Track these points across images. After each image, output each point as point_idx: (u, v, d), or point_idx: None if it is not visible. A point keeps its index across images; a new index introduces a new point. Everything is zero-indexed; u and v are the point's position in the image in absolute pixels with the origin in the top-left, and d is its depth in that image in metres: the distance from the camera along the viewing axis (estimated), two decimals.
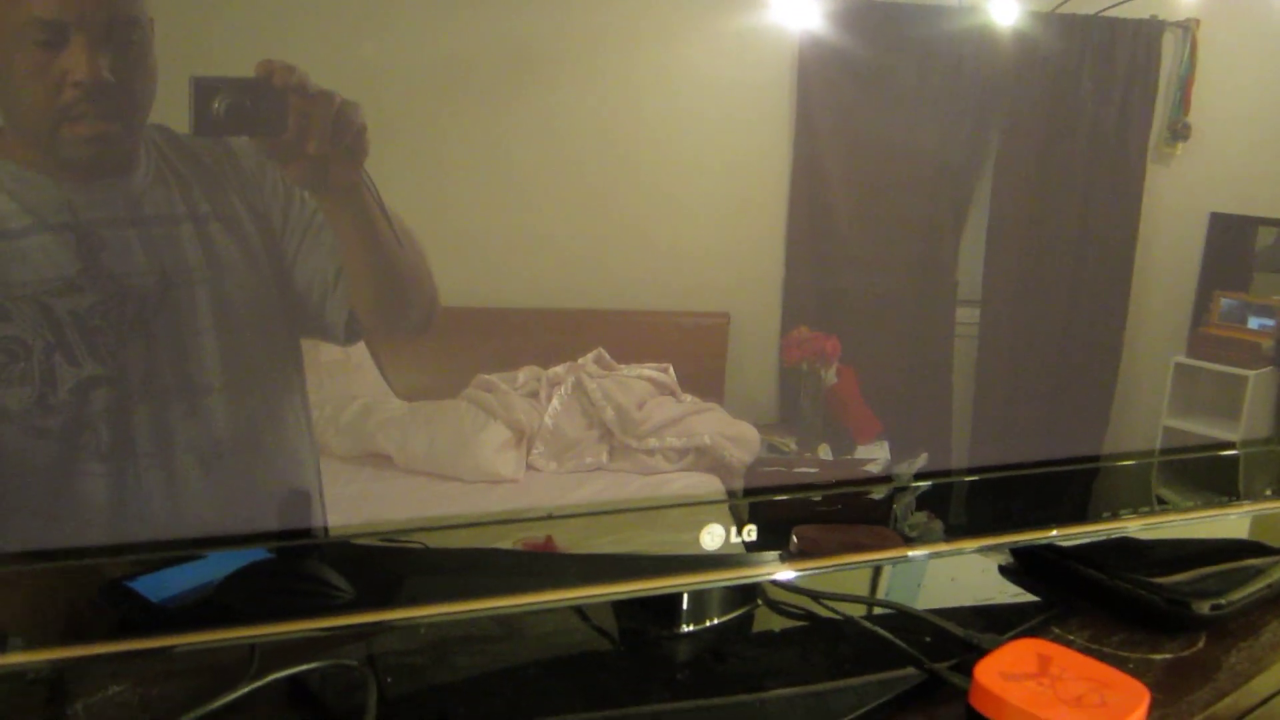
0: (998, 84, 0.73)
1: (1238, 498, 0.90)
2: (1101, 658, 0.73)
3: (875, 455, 0.73)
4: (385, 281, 0.56)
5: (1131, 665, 0.76)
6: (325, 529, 0.57)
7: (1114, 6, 0.76)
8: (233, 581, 0.54)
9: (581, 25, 0.59)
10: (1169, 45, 0.80)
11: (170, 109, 0.51)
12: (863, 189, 0.70)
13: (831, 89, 0.66)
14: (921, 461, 0.75)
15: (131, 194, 0.51)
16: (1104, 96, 0.77)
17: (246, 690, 0.63)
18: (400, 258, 0.55)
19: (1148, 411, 0.85)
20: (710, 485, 0.68)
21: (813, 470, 0.71)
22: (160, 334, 0.52)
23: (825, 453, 0.71)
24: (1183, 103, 0.82)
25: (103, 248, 0.50)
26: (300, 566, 0.57)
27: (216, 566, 0.54)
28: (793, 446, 0.71)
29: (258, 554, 0.55)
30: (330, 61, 0.53)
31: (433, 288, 0.57)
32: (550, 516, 0.62)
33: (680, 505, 0.67)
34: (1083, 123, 0.77)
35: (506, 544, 0.61)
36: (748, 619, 0.81)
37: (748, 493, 0.69)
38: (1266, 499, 0.91)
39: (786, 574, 0.71)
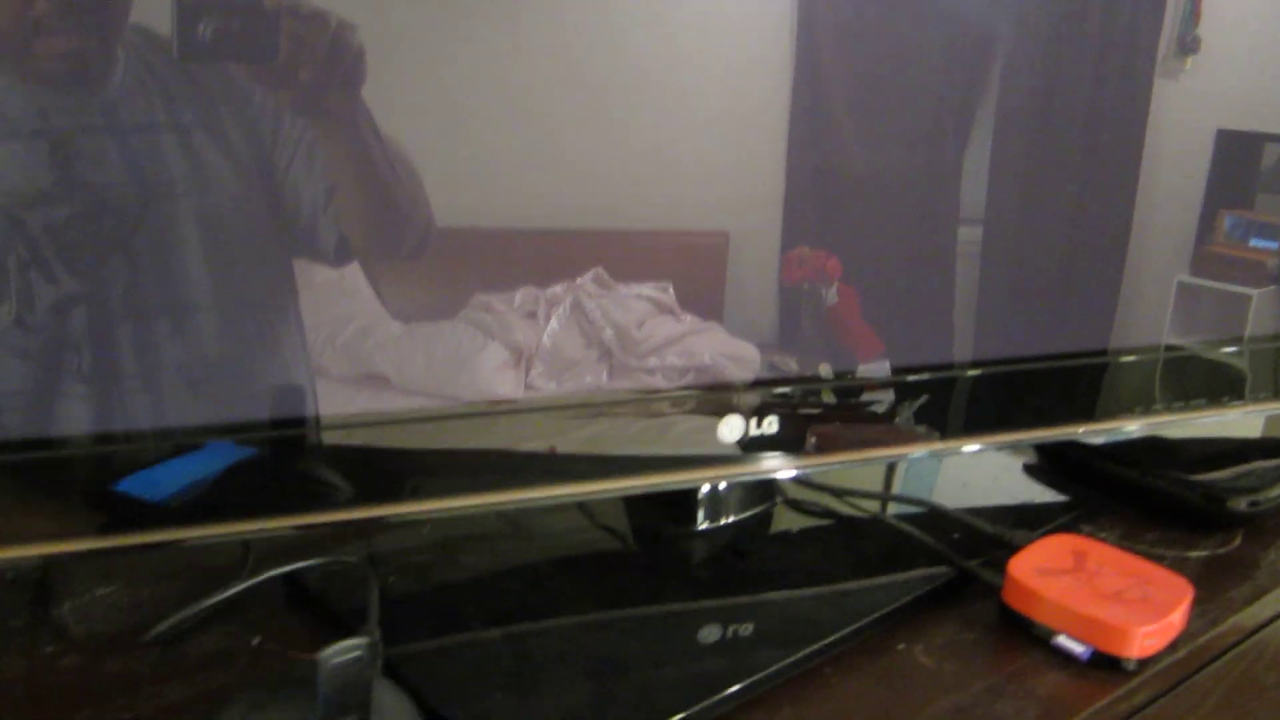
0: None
1: (1275, 394, 0.89)
2: (1137, 555, 0.73)
3: (876, 374, 0.72)
4: (378, 206, 0.55)
5: (1168, 562, 0.76)
6: (319, 423, 0.56)
7: None
8: (226, 478, 0.53)
9: None
10: None
11: (152, 10, 0.48)
12: (865, 103, 0.68)
13: (833, 1, 0.64)
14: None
15: (108, 100, 0.48)
16: (1113, 6, 0.75)
17: (241, 589, 0.62)
18: (394, 182, 0.54)
19: (1150, 330, 0.84)
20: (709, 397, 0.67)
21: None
22: (142, 249, 0.50)
23: (826, 372, 0.71)
24: (1193, 15, 0.80)
25: (78, 157, 0.48)
26: (296, 462, 0.56)
27: (209, 463, 0.53)
28: (793, 366, 0.70)
29: (250, 451, 0.54)
30: None
31: (428, 214, 0.55)
32: (551, 407, 0.61)
33: (687, 393, 0.65)
34: (1090, 34, 0.75)
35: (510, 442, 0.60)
36: (766, 517, 0.80)
37: (757, 384, 0.68)
38: None
39: (806, 468, 0.70)
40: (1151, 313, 0.83)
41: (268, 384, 0.55)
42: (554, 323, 0.63)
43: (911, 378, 0.72)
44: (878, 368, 0.72)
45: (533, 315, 0.63)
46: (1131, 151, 0.79)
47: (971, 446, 0.75)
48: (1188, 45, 0.80)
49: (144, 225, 0.49)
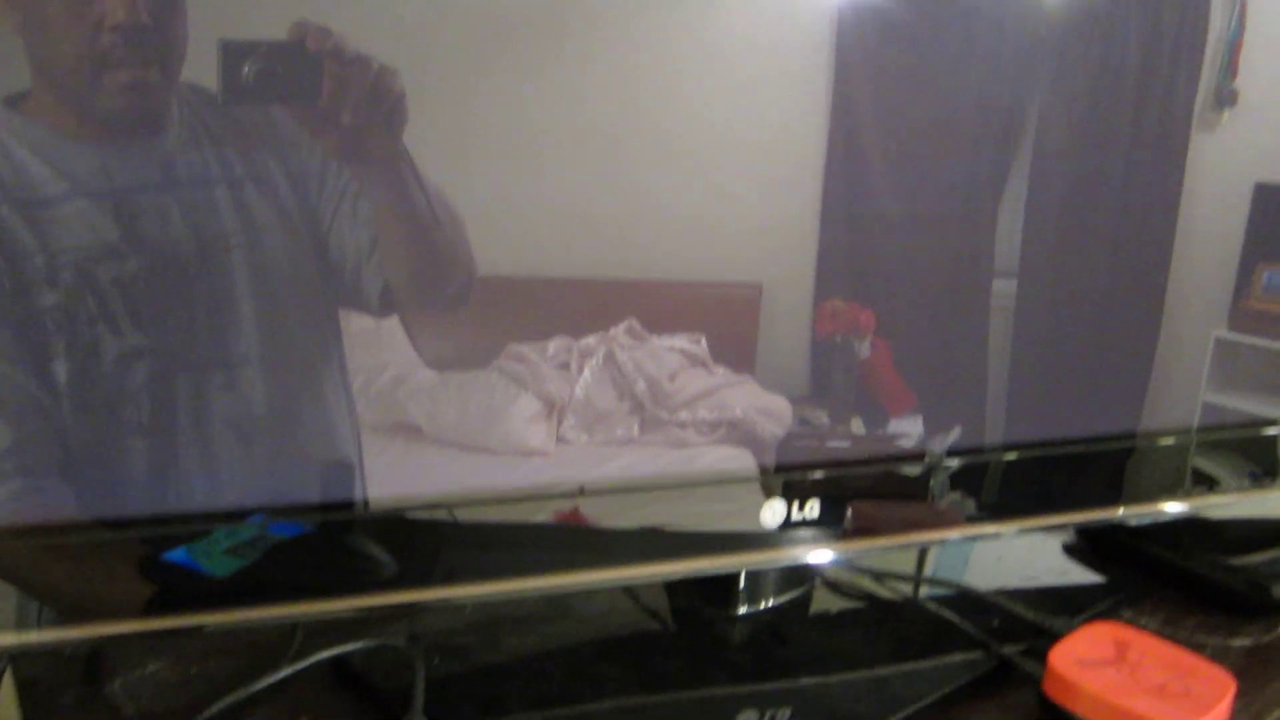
0: (1041, 46, 0.71)
1: None
2: (1177, 642, 0.71)
3: (908, 429, 0.72)
4: (421, 254, 0.55)
5: (1209, 651, 0.74)
6: (366, 502, 0.57)
7: None
8: (274, 556, 0.54)
9: None
10: (1217, 7, 0.77)
11: (203, 65, 0.49)
12: (900, 157, 0.68)
13: (871, 52, 0.64)
14: (954, 436, 0.73)
15: (165, 156, 0.50)
16: (1150, 60, 0.75)
17: (289, 671, 0.62)
18: (437, 230, 0.54)
19: (1187, 387, 0.83)
20: (742, 459, 0.67)
21: (845, 444, 0.70)
22: (199, 301, 0.51)
23: (858, 426, 0.70)
24: (1230, 67, 0.79)
25: (140, 213, 0.49)
26: (342, 540, 0.56)
27: (260, 538, 0.53)
28: (825, 420, 0.70)
29: (299, 527, 0.55)
30: (365, 25, 0.51)
31: (470, 261, 0.56)
32: (582, 492, 0.62)
33: (720, 482, 0.66)
34: (1127, 87, 0.74)
35: (550, 517, 0.61)
36: (805, 600, 0.79)
37: (788, 468, 0.68)
38: None
39: (846, 552, 0.70)
40: (1190, 370, 0.82)
41: (313, 451, 0.56)
42: (587, 374, 0.63)
43: (952, 461, 0.72)
44: (910, 422, 0.72)
45: (565, 366, 0.63)
46: (1168, 204, 0.79)
47: (1011, 529, 0.75)
48: (1225, 98, 0.79)
49: (201, 278, 0.50)
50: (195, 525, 0.52)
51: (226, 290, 0.51)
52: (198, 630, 0.52)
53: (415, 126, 0.52)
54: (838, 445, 0.70)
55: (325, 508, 0.56)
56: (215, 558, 0.53)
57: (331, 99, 0.50)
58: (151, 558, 0.52)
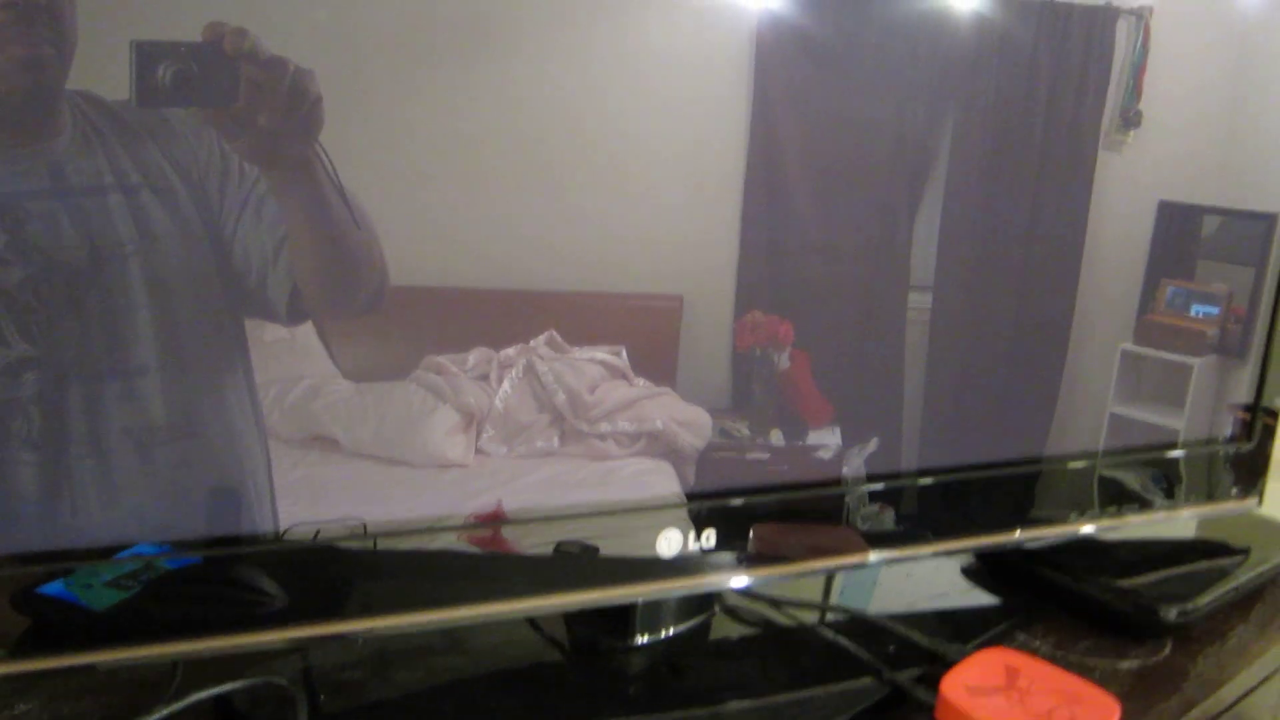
0: (954, 67, 0.72)
1: (1210, 497, 0.91)
2: (1068, 665, 0.73)
3: (827, 440, 0.73)
4: (333, 258, 0.54)
5: (1098, 674, 0.76)
6: (269, 533, 0.55)
7: None
8: (159, 588, 0.52)
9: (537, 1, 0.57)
10: (1122, 32, 0.80)
11: (95, 71, 0.48)
12: (819, 172, 0.69)
13: (789, 69, 0.65)
14: (873, 446, 0.75)
15: (55, 162, 0.48)
16: (1058, 82, 0.77)
17: (167, 712, 0.59)
18: (350, 234, 0.53)
19: (1095, 398, 0.86)
20: (662, 471, 0.67)
21: (765, 456, 0.71)
22: (92, 311, 0.49)
23: (777, 438, 0.71)
24: (1135, 90, 0.82)
25: (28, 219, 0.47)
26: (232, 571, 0.55)
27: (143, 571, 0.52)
28: (745, 431, 0.70)
29: (188, 558, 0.53)
30: (282, 27, 0.50)
31: (383, 266, 0.55)
32: (499, 523, 0.61)
33: (634, 510, 0.66)
34: (1037, 108, 0.77)
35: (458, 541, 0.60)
36: (704, 627, 0.79)
37: (701, 496, 0.68)
38: (1232, 498, 0.93)
39: (745, 580, 0.70)
40: (1098, 381, 0.85)
41: (216, 465, 0.54)
42: (506, 385, 0.63)
43: (865, 488, 0.73)
44: (828, 434, 0.73)
45: (485, 378, 0.62)
46: (1076, 221, 0.81)
47: (923, 553, 0.76)
48: (1130, 119, 0.82)
49: (95, 286, 0.49)
50: (78, 560, 0.51)
51: (122, 298, 0.50)
52: (72, 670, 0.50)
53: (336, 132, 0.52)
54: (757, 457, 0.71)
55: (218, 541, 0.54)
56: (96, 590, 0.51)
57: (248, 100, 0.49)
58: (25, 591, 0.50)
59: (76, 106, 0.49)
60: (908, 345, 0.77)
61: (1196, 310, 0.91)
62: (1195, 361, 0.91)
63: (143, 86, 0.47)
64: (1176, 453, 0.88)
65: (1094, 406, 0.86)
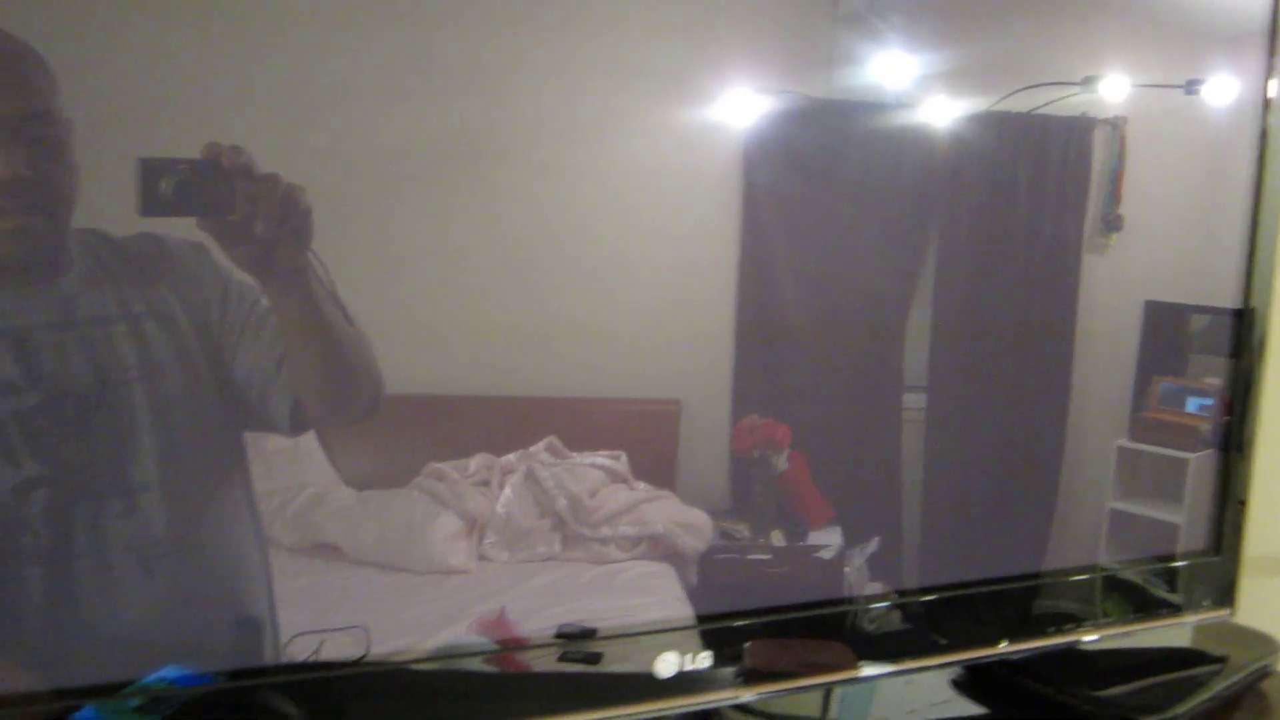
0: (938, 178, 0.75)
1: (1179, 609, 0.92)
2: None
3: (828, 541, 0.73)
4: (331, 365, 0.56)
5: None
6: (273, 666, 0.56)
7: (1047, 105, 0.80)
8: (184, 712, 0.52)
9: (533, 117, 0.60)
10: (1100, 141, 0.83)
11: (102, 208, 0.51)
12: (809, 280, 0.71)
13: (776, 181, 0.68)
14: (873, 546, 0.75)
15: (64, 297, 0.51)
16: (1039, 190, 0.80)
17: None
18: (347, 340, 0.55)
19: (1093, 495, 0.86)
20: (664, 574, 0.67)
21: (766, 557, 0.71)
22: (99, 433, 0.51)
23: (778, 539, 0.71)
24: (1114, 195, 0.85)
25: (39, 350, 0.50)
26: (251, 691, 0.55)
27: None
28: (745, 533, 0.71)
29: (207, 678, 0.53)
30: (278, 148, 0.53)
31: (378, 371, 0.57)
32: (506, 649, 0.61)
33: (639, 634, 0.66)
34: (1019, 215, 0.79)
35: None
36: None
37: (702, 618, 0.68)
38: (1205, 609, 0.93)
39: (740, 699, 0.70)
40: (1095, 481, 0.86)
41: (217, 578, 0.55)
42: (508, 491, 0.63)
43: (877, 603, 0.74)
44: (829, 534, 0.73)
45: (486, 483, 0.63)
46: (1066, 322, 0.83)
47: (925, 666, 0.76)
48: (1111, 223, 0.85)
49: (101, 410, 0.51)
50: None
51: (127, 421, 0.52)
52: None
53: (331, 247, 0.54)
54: (758, 558, 0.71)
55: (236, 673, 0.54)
56: (125, 715, 0.52)
57: (244, 211, 0.52)
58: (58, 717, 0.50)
59: (85, 243, 0.52)
60: (905, 445, 0.78)
61: (1192, 405, 0.92)
62: (1191, 456, 0.92)
63: (147, 198, 0.50)
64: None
65: (1093, 502, 0.86)
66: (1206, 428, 0.92)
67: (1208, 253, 0.91)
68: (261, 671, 0.55)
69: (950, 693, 0.91)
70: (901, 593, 0.76)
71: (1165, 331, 0.89)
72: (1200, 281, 0.91)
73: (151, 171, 0.50)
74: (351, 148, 0.56)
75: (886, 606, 0.74)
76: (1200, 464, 0.91)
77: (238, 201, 0.52)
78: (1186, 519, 0.90)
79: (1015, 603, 0.82)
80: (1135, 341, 0.87)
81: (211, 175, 0.51)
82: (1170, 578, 0.90)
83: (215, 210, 0.52)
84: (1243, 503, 0.92)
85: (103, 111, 0.50)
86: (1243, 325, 0.91)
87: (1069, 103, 0.81)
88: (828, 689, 0.88)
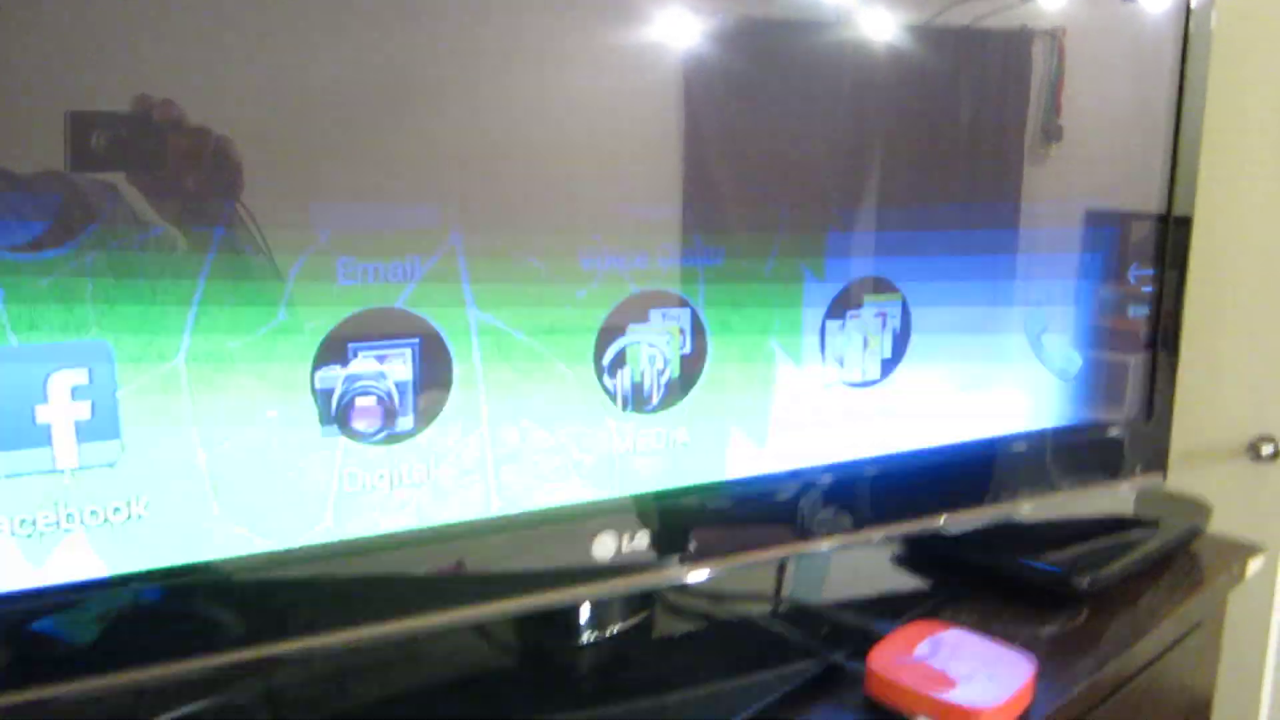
0: (877, 94, 0.75)
1: (1116, 475, 0.96)
2: (990, 636, 0.77)
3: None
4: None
5: (1019, 641, 0.80)
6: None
7: (986, 18, 0.79)
8: (130, 620, 0.56)
9: (467, 46, 0.60)
10: (1038, 52, 0.83)
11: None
12: (750, 201, 0.72)
13: (715, 102, 0.68)
14: None
15: None
16: (980, 104, 0.80)
17: None
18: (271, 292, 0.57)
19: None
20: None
21: None
22: None
23: None
24: (1054, 106, 0.85)
25: None
26: (192, 600, 0.59)
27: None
28: None
29: (158, 590, 0.57)
30: (204, 93, 0.54)
31: None
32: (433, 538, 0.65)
33: (569, 518, 0.69)
34: (961, 130, 0.80)
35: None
36: (647, 625, 0.84)
37: (638, 500, 0.72)
38: (1138, 475, 0.97)
39: (683, 578, 0.74)
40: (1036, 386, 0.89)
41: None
42: None
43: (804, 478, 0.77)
44: None
45: None
46: (1009, 235, 0.85)
47: (842, 543, 0.80)
48: (1051, 134, 0.85)
49: None
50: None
51: None
52: (43, 704, 0.54)
53: (258, 191, 0.55)
54: None
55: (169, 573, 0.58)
56: (85, 625, 0.55)
57: (175, 166, 0.53)
58: (8, 631, 0.54)
59: None
60: None
61: (1132, 311, 0.94)
62: (1130, 359, 0.95)
63: (78, 153, 0.50)
64: (1091, 435, 0.93)
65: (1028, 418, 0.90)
66: (1144, 331, 0.95)
67: (1143, 161, 0.92)
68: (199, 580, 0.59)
69: (892, 569, 0.97)
70: (844, 466, 0.80)
71: (1105, 239, 0.91)
72: (1138, 190, 0.93)
73: (81, 125, 0.50)
74: (282, 91, 0.56)
75: (824, 480, 0.79)
76: (1138, 366, 0.94)
77: (169, 156, 0.52)
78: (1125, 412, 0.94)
79: (955, 476, 0.86)
80: (1077, 250, 0.89)
81: (143, 129, 0.51)
82: (1105, 446, 0.95)
83: (147, 165, 0.52)
84: (1174, 368, 0.96)
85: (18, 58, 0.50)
86: (1169, 231, 0.93)
87: (1007, 15, 0.81)
88: (780, 564, 0.95)
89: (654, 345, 0.69)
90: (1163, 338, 0.95)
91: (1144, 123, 0.91)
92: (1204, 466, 1.30)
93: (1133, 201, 0.92)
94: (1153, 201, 0.93)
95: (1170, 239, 0.93)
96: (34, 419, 0.53)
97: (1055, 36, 0.85)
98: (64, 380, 0.53)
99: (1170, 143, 0.91)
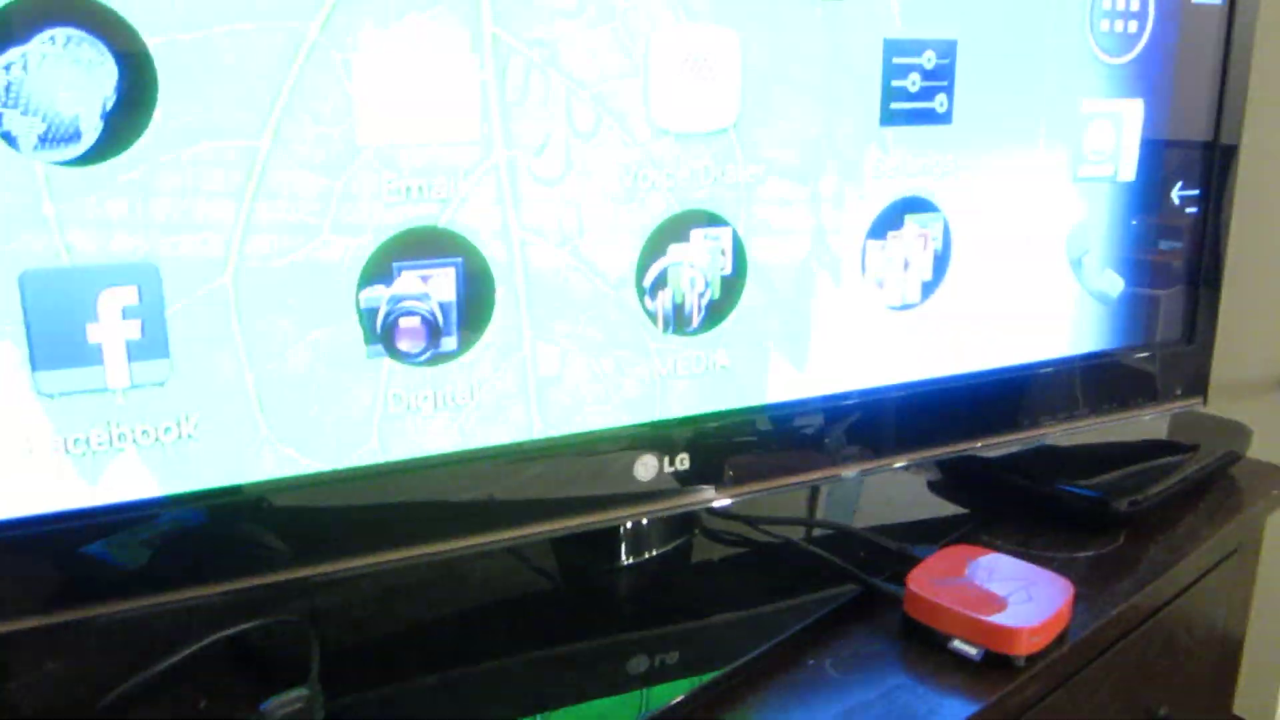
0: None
1: (1156, 398, 0.95)
2: (1028, 559, 0.77)
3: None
4: None
5: (1057, 564, 0.81)
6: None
7: None
8: (178, 543, 0.58)
9: None
10: None
11: None
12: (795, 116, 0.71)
13: None
14: None
15: None
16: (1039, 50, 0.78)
17: (184, 655, 0.65)
18: None
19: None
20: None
21: None
22: None
23: None
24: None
25: None
26: (236, 523, 0.60)
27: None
28: None
29: (202, 514, 0.58)
30: None
31: None
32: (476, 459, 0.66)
33: (609, 440, 0.69)
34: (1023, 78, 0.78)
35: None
36: (686, 549, 0.85)
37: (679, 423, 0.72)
38: (1177, 398, 0.96)
39: (721, 501, 0.74)
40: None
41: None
42: None
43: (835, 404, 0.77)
44: None
45: None
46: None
47: (895, 463, 0.81)
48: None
49: None
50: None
51: None
52: (91, 624, 0.56)
53: None
54: None
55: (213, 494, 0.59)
56: (135, 545, 0.57)
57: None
58: (65, 550, 0.55)
59: None
60: None
61: (1176, 237, 0.93)
62: (1162, 294, 0.94)
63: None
64: (1132, 358, 0.92)
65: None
66: (1179, 265, 0.94)
67: (1192, 86, 0.90)
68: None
69: (931, 495, 0.97)
70: (882, 390, 0.80)
71: (1151, 163, 0.89)
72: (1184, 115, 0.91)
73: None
74: None
75: (862, 403, 0.79)
76: (1170, 300, 0.93)
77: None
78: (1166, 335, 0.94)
79: (989, 400, 0.86)
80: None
81: None
82: (1144, 369, 0.93)
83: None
84: (1217, 293, 0.95)
85: None
86: (1215, 156, 0.91)
87: None
88: (810, 491, 0.96)
89: (694, 266, 0.69)
90: (1206, 262, 0.94)
91: (1193, 48, 0.89)
92: (1242, 396, 1.29)
93: (1180, 127, 0.91)
94: (1200, 128, 0.91)
95: (1215, 165, 0.92)
96: (86, 338, 0.53)
97: None
98: (114, 299, 0.53)
99: (1219, 69, 0.89)
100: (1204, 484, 0.98)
